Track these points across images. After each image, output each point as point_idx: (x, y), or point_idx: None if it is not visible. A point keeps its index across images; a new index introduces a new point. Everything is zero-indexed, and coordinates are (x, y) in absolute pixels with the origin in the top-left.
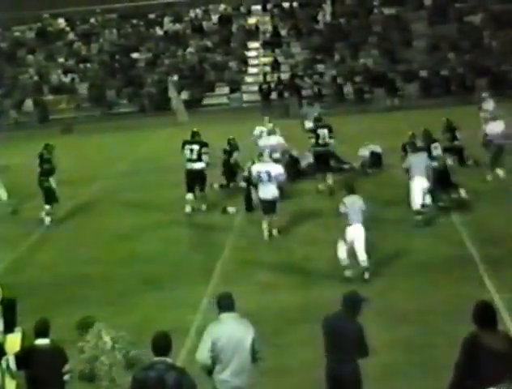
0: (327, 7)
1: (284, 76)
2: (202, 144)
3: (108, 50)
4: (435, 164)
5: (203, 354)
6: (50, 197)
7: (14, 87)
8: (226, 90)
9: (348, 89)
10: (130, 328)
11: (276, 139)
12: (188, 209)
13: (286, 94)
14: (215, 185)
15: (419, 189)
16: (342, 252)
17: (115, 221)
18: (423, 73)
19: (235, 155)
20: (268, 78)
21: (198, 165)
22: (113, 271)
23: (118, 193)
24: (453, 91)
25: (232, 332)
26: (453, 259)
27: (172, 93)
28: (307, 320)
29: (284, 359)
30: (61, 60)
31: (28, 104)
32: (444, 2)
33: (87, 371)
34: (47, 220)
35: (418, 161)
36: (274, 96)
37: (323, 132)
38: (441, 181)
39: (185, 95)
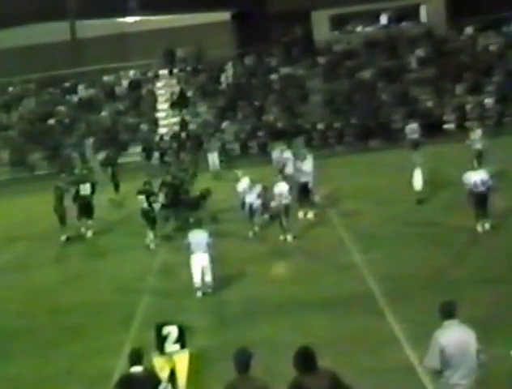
0: (229, 69)
1: (192, 134)
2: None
3: (27, 117)
4: None
5: (433, 360)
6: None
7: None
8: (139, 149)
9: (252, 144)
10: (58, 377)
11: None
12: (151, 245)
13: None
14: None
15: None
16: (196, 278)
17: (39, 276)
18: (320, 125)
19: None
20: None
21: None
22: (37, 324)
23: (42, 250)
24: (347, 142)
25: (457, 338)
26: (355, 294)
27: (89, 154)
28: (222, 359)
29: None
30: None
31: None
32: (336, 59)
33: None
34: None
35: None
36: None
37: None
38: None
39: (101, 155)
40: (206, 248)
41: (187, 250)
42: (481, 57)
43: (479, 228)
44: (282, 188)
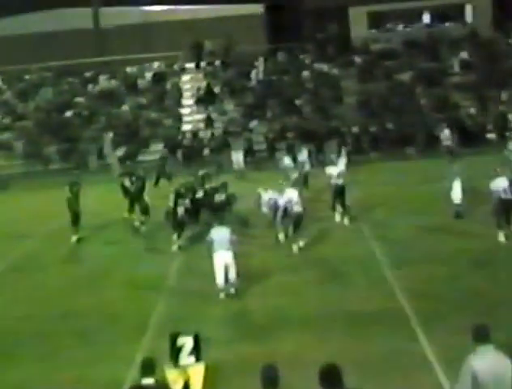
0: (260, 65)
1: (218, 132)
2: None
3: (44, 108)
4: None
5: (464, 387)
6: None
7: None
8: (160, 146)
9: (281, 145)
10: (66, 384)
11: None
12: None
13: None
14: None
15: None
16: (220, 278)
17: (50, 277)
18: (354, 129)
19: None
20: (202, 134)
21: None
22: (46, 327)
23: (53, 249)
24: (382, 148)
25: (492, 365)
26: (385, 311)
27: (107, 149)
28: (241, 374)
29: None
30: None
31: None
32: (372, 59)
33: None
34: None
35: None
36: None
37: None
38: None
39: (120, 151)
40: (229, 245)
41: (210, 248)
42: None
43: (501, 239)
44: (290, 194)
